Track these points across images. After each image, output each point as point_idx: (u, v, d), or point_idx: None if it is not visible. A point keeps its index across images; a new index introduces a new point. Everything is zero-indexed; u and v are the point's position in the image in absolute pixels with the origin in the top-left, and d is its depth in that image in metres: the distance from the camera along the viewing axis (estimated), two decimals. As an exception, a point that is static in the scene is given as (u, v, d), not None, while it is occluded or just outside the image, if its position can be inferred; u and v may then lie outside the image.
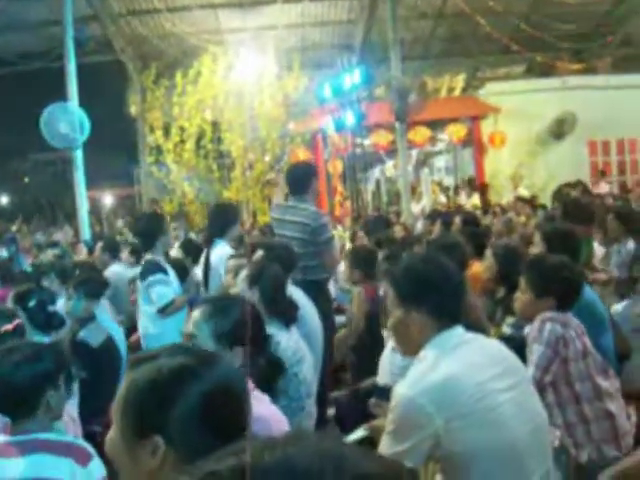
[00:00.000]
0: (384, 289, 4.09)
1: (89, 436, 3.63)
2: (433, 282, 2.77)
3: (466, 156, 21.12)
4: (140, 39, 20.41)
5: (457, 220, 8.13)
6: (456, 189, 20.33)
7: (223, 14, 19.86)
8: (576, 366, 3.68)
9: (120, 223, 22.13)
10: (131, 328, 7.52)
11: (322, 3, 20.09)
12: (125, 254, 9.27)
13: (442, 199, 19.82)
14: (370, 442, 3.01)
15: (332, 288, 7.41)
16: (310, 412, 4.33)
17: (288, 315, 4.48)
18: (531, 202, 14.46)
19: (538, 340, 3.70)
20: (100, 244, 9.70)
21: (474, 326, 3.00)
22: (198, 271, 7.10)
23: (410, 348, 2.81)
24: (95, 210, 24.19)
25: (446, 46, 22.05)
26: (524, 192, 17.72)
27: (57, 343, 4.41)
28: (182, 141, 19.19)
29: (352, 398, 5.14)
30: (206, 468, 0.96)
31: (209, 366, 1.67)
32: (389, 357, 4.55)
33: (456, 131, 19.22)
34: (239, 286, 4.68)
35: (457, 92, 19.98)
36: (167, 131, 19.35)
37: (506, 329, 4.65)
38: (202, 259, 6.82)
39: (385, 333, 5.07)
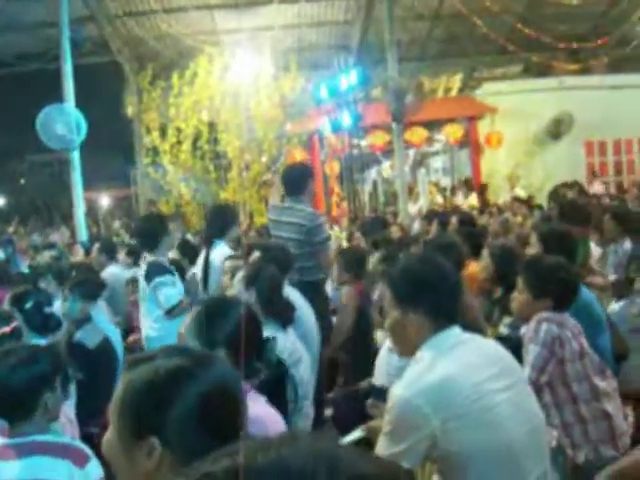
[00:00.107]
0: (381, 290, 4.09)
1: (86, 437, 3.62)
2: (430, 283, 2.77)
3: (463, 156, 21.12)
4: (136, 40, 20.39)
5: (454, 220, 8.14)
6: (453, 189, 20.34)
7: (219, 15, 19.86)
8: (573, 366, 3.68)
9: (117, 224, 22.11)
10: (128, 329, 7.52)
11: (318, 4, 20.09)
12: (122, 255, 9.26)
13: (439, 199, 19.82)
14: (367, 443, 3.01)
15: (329, 289, 7.42)
16: (307, 413, 4.33)
17: (285, 316, 4.49)
18: (528, 202, 14.47)
19: (534, 340, 3.70)
20: (97, 245, 9.68)
21: (471, 326, 3.00)
22: (195, 272, 7.09)
23: (407, 349, 2.81)
24: (92, 211, 24.17)
25: (443, 47, 22.06)
26: (521, 192, 17.73)
27: (53, 345, 4.41)
28: (179, 142, 19.16)
29: (349, 399, 5.14)
30: (201, 469, 0.96)
31: (205, 367, 1.67)
32: (385, 358, 4.55)
33: (453, 131, 19.22)
34: (236, 287, 4.68)
35: (454, 92, 19.99)
36: (163, 132, 19.33)
37: (503, 329, 4.66)
38: (200, 260, 6.82)
39: (379, 333, 5.07)
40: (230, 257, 5.95)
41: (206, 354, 1.83)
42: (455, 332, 2.75)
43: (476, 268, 5.62)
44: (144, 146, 20.13)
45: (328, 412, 5.60)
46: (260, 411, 2.59)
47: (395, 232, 10.38)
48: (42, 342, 4.44)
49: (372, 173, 25.98)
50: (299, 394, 4.11)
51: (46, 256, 10.96)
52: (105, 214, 27.45)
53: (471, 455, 2.50)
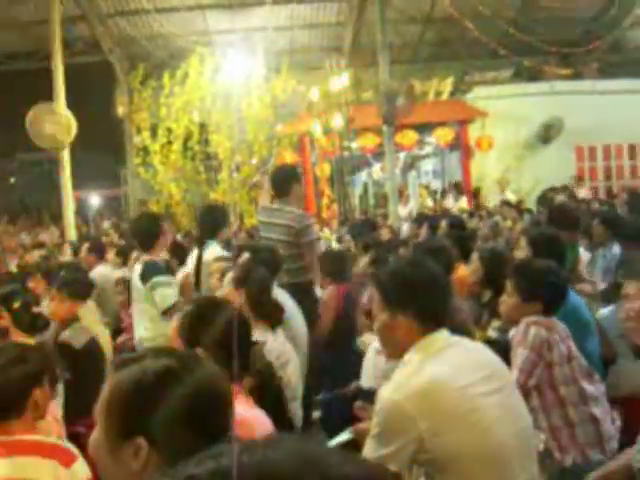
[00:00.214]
0: (370, 292, 4.09)
1: (73, 437, 3.61)
2: (418, 286, 2.77)
3: (453, 160, 21.13)
4: (128, 40, 20.37)
5: (443, 224, 8.14)
6: (443, 193, 20.36)
7: (211, 15, 19.86)
8: (561, 370, 3.69)
9: (106, 224, 22.05)
10: (117, 329, 7.50)
11: (311, 5, 20.11)
12: (111, 255, 9.24)
13: (429, 202, 19.84)
14: (355, 445, 3.00)
15: (318, 290, 7.41)
16: (295, 415, 4.33)
17: (274, 318, 4.48)
18: (517, 206, 14.51)
19: (522, 344, 3.71)
20: (86, 245, 9.65)
21: (459, 329, 3.01)
22: (182, 274, 7.06)
23: (395, 351, 2.81)
24: (81, 211, 24.09)
25: (434, 50, 22.11)
26: (511, 196, 17.77)
27: (42, 344, 4.40)
28: (169, 142, 19.14)
29: (337, 401, 5.14)
30: (186, 471, 0.95)
31: (193, 368, 1.67)
32: (372, 360, 4.56)
33: (443, 135, 19.24)
34: (225, 288, 4.68)
35: (445, 96, 20.00)
36: (154, 132, 19.30)
37: (491, 333, 4.66)
38: (190, 260, 6.80)
39: (368, 335, 5.07)
40: (217, 258, 5.93)
41: (194, 355, 1.83)
42: (443, 335, 2.76)
43: (465, 272, 5.62)
44: (134, 146, 20.10)
45: (316, 414, 5.60)
46: (247, 413, 2.59)
47: (385, 234, 10.40)
48: (30, 342, 4.42)
49: (362, 175, 26.00)
50: (287, 396, 4.10)
51: (35, 255, 10.93)
52: (95, 214, 27.36)
53: (459, 458, 2.50)
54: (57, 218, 19.17)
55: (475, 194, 19.00)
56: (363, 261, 7.11)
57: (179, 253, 8.24)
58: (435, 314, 2.77)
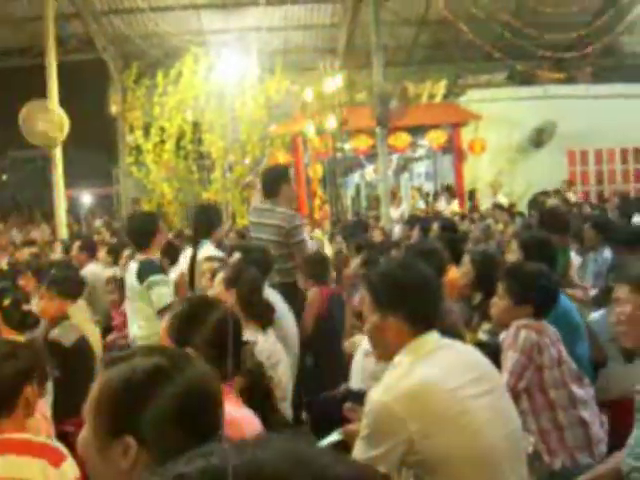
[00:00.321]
0: (361, 294, 4.09)
1: (62, 436, 3.60)
2: (409, 288, 2.77)
3: (446, 162, 21.15)
4: (122, 38, 20.34)
5: (435, 226, 8.15)
6: (435, 195, 20.39)
7: (206, 15, 19.84)
8: (551, 373, 3.69)
9: (98, 222, 22.00)
10: (107, 328, 7.49)
11: (305, 6, 20.10)
12: (102, 254, 9.22)
13: (421, 205, 19.86)
14: (344, 446, 3.00)
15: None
16: (286, 415, 4.32)
17: (265, 318, 4.48)
18: (509, 210, 14.53)
19: (513, 347, 3.71)
20: (78, 243, 9.63)
21: (450, 332, 3.01)
22: (173, 273, 7.05)
23: (386, 353, 2.81)
24: (73, 209, 24.03)
25: (428, 52, 22.13)
26: (503, 199, 17.80)
27: (32, 341, 4.39)
28: (162, 141, 19.10)
29: (327, 402, 5.13)
30: (175, 470, 0.95)
31: (183, 367, 1.67)
32: (360, 362, 4.56)
33: (436, 137, 19.25)
34: (216, 288, 4.67)
35: (438, 98, 20.01)
36: (147, 131, 19.27)
37: (482, 335, 4.67)
38: (183, 260, 6.79)
39: (358, 336, 5.07)
40: (208, 258, 5.92)
41: (184, 354, 1.83)
42: (434, 337, 2.76)
43: (456, 274, 5.63)
44: (127, 145, 20.07)
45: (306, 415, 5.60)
46: (235, 413, 2.58)
47: (377, 236, 10.40)
48: (19, 339, 4.41)
49: (355, 177, 26.00)
50: (278, 396, 4.10)
51: (25, 253, 10.90)
52: (87, 212, 27.29)
53: (448, 460, 2.50)
54: (49, 216, 19.12)
55: (471, 196, 19.04)
56: (355, 262, 7.11)
57: (170, 252, 8.22)
58: (426, 316, 2.77)
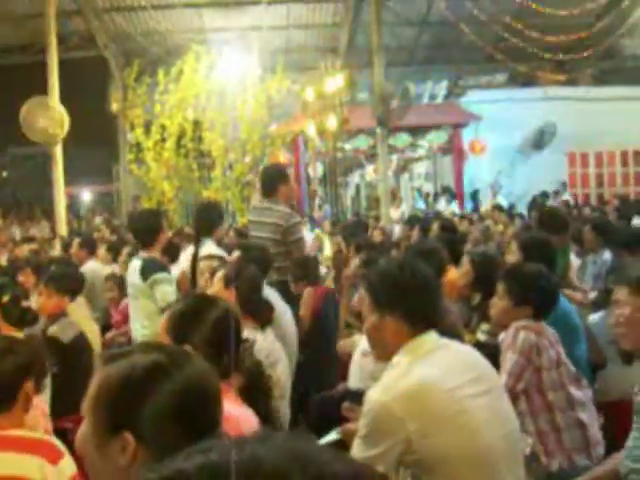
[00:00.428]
0: (360, 294, 4.09)
1: (60, 432, 3.60)
2: (408, 288, 2.77)
3: (446, 163, 21.17)
4: (123, 36, 20.35)
5: (435, 226, 8.15)
6: (435, 196, 20.40)
7: (207, 13, 19.85)
8: (549, 375, 3.69)
9: (98, 220, 22.00)
10: (106, 325, 7.49)
11: (307, 5, 20.11)
12: (102, 251, 9.22)
13: (420, 205, 19.87)
14: (342, 446, 3.00)
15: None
16: (284, 414, 4.33)
17: (264, 316, 4.48)
18: (509, 211, 14.54)
19: (512, 348, 3.71)
20: (77, 240, 9.63)
21: (449, 332, 3.01)
22: (175, 270, 7.04)
23: (384, 353, 2.81)
24: (73, 206, 24.03)
25: (430, 53, 22.14)
26: (502, 200, 17.81)
27: (30, 337, 4.39)
28: (163, 139, 19.07)
29: (325, 401, 5.13)
30: (173, 466, 0.95)
31: (182, 364, 1.67)
32: (358, 362, 4.56)
33: (437, 138, 19.27)
34: (216, 286, 4.67)
35: (439, 99, 20.03)
36: (148, 129, 19.24)
37: (480, 336, 4.67)
38: (184, 257, 6.79)
39: (357, 336, 5.08)
40: (207, 257, 5.92)
41: (183, 351, 1.83)
42: (432, 337, 2.76)
43: (456, 274, 5.63)
44: (128, 142, 20.04)
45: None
46: (233, 410, 2.58)
47: (376, 236, 10.40)
48: (18, 335, 4.41)
49: (355, 177, 26.00)
50: (276, 395, 4.10)
51: (25, 250, 10.90)
52: (87, 209, 27.30)
53: (446, 460, 2.51)
54: (49, 213, 19.13)
55: (474, 196, 19.07)
56: (354, 262, 7.11)
57: (170, 250, 8.22)
58: (424, 316, 2.77)
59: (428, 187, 22.49)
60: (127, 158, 20.04)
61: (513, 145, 19.87)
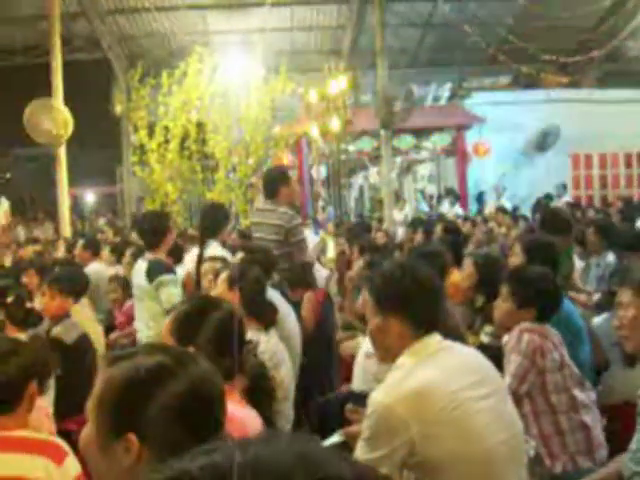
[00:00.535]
0: (363, 296, 4.09)
1: (63, 434, 3.60)
2: (411, 290, 2.77)
3: (449, 165, 21.16)
4: (127, 38, 20.37)
5: (438, 229, 8.16)
6: (439, 198, 20.38)
7: (211, 15, 19.84)
8: (553, 377, 3.69)
9: (101, 221, 22.01)
10: (110, 327, 7.49)
11: (310, 8, 20.10)
12: (105, 252, 9.23)
13: (424, 207, 19.85)
14: (346, 448, 3.00)
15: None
16: (287, 415, 4.33)
17: (267, 318, 4.48)
18: (512, 213, 14.53)
19: (516, 350, 3.71)
20: (81, 242, 9.64)
21: (452, 334, 3.01)
22: (180, 271, 7.04)
23: (388, 355, 2.81)
24: (77, 208, 24.05)
25: (433, 55, 22.12)
26: (506, 203, 17.80)
27: (34, 338, 4.39)
28: (166, 141, 19.07)
29: (329, 403, 5.13)
30: (177, 467, 0.95)
31: (186, 366, 1.67)
32: (362, 364, 4.56)
33: (440, 140, 19.26)
34: (219, 288, 4.67)
35: (443, 101, 20.03)
36: (151, 131, 19.24)
37: (484, 338, 4.66)
38: (188, 259, 6.79)
39: (360, 338, 5.08)
40: (210, 258, 5.92)
41: (187, 353, 1.83)
42: (436, 339, 2.76)
43: (459, 277, 5.62)
44: (131, 144, 20.04)
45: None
46: (237, 411, 2.58)
47: (380, 238, 10.40)
48: (21, 336, 4.42)
49: (359, 179, 25.99)
50: (279, 396, 4.10)
51: (29, 251, 10.91)
52: (90, 211, 27.31)
53: (449, 462, 2.50)
54: (52, 214, 19.15)
55: (479, 198, 19.05)
56: (358, 265, 7.11)
57: (174, 252, 8.22)
58: (428, 318, 2.77)
59: (432, 189, 22.47)
60: (131, 160, 20.05)
61: (517, 147, 19.86)
